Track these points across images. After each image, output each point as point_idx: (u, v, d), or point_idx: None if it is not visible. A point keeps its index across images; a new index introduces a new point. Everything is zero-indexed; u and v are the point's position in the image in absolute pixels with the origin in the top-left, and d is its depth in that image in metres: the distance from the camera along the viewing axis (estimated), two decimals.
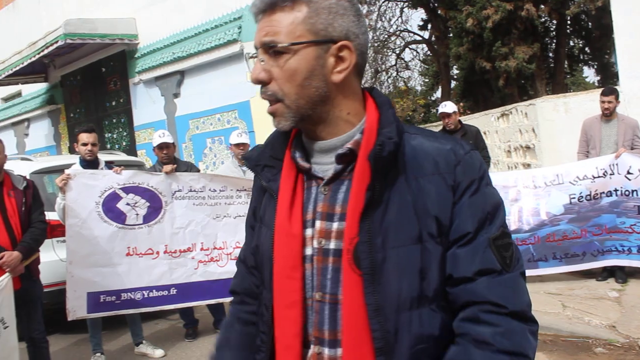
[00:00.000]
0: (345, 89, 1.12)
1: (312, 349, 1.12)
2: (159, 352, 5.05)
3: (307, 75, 1.08)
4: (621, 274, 5.74)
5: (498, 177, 6.12)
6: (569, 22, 17.27)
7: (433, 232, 1.08)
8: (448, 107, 6.52)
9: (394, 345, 1.05)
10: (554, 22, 17.22)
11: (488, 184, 1.14)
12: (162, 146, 5.24)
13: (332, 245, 1.10)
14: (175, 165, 5.11)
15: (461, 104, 21.92)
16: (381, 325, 1.05)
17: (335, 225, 1.11)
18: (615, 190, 5.51)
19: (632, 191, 5.45)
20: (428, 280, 1.07)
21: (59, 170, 5.38)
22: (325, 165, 1.15)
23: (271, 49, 1.08)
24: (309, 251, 1.13)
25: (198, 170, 5.78)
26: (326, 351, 1.11)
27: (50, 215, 4.63)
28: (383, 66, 27.04)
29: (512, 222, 5.78)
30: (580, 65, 21.39)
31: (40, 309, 4.27)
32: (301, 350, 1.12)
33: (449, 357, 1.07)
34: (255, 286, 1.28)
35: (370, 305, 1.05)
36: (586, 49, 19.36)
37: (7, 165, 4.25)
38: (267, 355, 1.17)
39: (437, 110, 29.68)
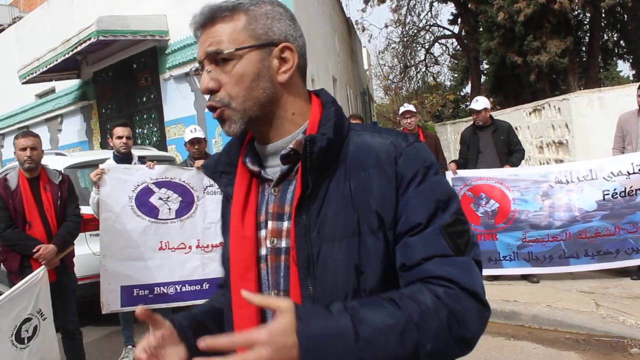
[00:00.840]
0: (290, 88, 1.17)
1: None
2: None
3: (254, 78, 1.13)
4: None
5: (529, 172, 6.02)
6: (603, 14, 16.91)
7: (373, 226, 1.09)
8: (478, 103, 6.43)
9: None
10: (588, 15, 16.87)
11: (437, 173, 1.13)
12: (193, 141, 5.29)
13: (283, 243, 1.15)
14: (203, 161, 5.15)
15: (491, 99, 21.63)
16: None
17: (285, 225, 1.15)
18: None
19: None
20: (366, 274, 1.08)
21: (93, 165, 5.48)
22: (274, 168, 1.19)
23: (217, 58, 1.13)
24: (263, 251, 1.16)
25: None
26: None
27: (84, 210, 4.72)
28: (412, 61, 26.84)
29: (543, 218, 5.69)
30: (614, 59, 20.95)
31: (75, 301, 4.37)
32: None
33: (401, 291, 1.05)
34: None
35: (305, 298, 1.09)
36: (621, 42, 18.94)
37: (42, 160, 4.34)
38: None
39: (466, 106, 29.47)
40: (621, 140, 5.92)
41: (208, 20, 1.14)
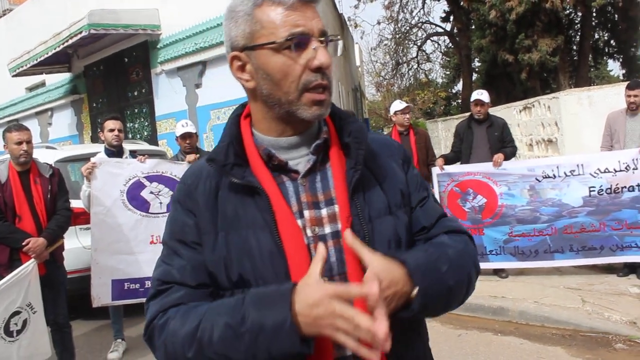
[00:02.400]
0: None
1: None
2: None
3: None
4: None
5: (516, 166, 6.03)
6: (594, 14, 17.01)
7: (399, 203, 1.24)
8: (484, 95, 6.36)
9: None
10: (579, 14, 16.98)
11: None
12: (185, 136, 5.30)
13: (327, 230, 1.16)
14: (198, 155, 5.17)
15: None
16: None
17: (324, 212, 1.17)
18: (638, 185, 5.43)
19: None
20: (402, 244, 1.21)
21: (83, 159, 5.47)
22: (295, 160, 1.20)
23: (328, 40, 1.14)
24: (305, 241, 1.14)
25: None
26: None
27: (74, 203, 4.71)
28: (404, 58, 26.87)
29: (529, 213, 5.75)
30: (605, 58, 21.09)
31: (64, 295, 4.37)
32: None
33: (440, 240, 1.25)
34: (208, 296, 1.17)
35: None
36: (612, 41, 19.07)
37: (33, 154, 4.33)
38: None
39: (458, 103, 29.39)
40: (609, 138, 5.98)
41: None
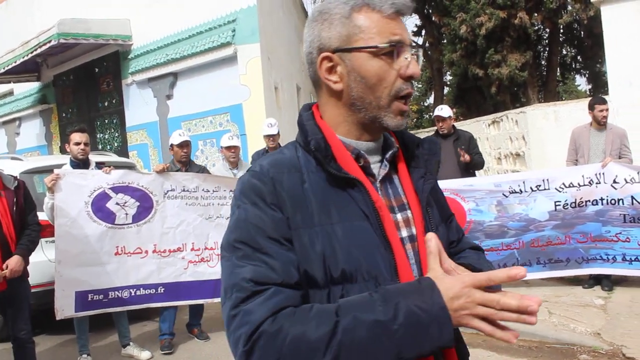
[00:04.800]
0: None
1: None
2: (145, 354, 5.04)
3: None
4: (607, 282, 5.79)
5: (484, 182, 6.12)
6: (561, 30, 17.43)
7: (446, 215, 1.37)
8: (444, 110, 6.46)
9: None
10: (547, 30, 17.40)
11: None
12: (183, 144, 5.27)
13: (404, 233, 1.20)
14: (167, 165, 5.13)
15: (454, 110, 22.00)
16: None
17: (399, 216, 1.21)
18: (601, 199, 5.56)
19: (618, 200, 5.49)
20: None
21: (49, 170, 5.37)
22: (372, 164, 1.24)
23: (417, 51, 1.20)
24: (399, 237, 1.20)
25: (209, 173, 5.72)
26: None
27: (40, 216, 4.62)
28: None
29: (497, 227, 5.81)
30: (572, 73, 21.57)
31: (27, 309, 4.25)
32: None
33: (469, 255, 1.36)
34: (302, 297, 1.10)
35: None
36: (578, 57, 19.54)
37: None
38: None
39: (429, 116, 29.78)
40: (574, 153, 6.10)
41: (408, 13, 1.18)
